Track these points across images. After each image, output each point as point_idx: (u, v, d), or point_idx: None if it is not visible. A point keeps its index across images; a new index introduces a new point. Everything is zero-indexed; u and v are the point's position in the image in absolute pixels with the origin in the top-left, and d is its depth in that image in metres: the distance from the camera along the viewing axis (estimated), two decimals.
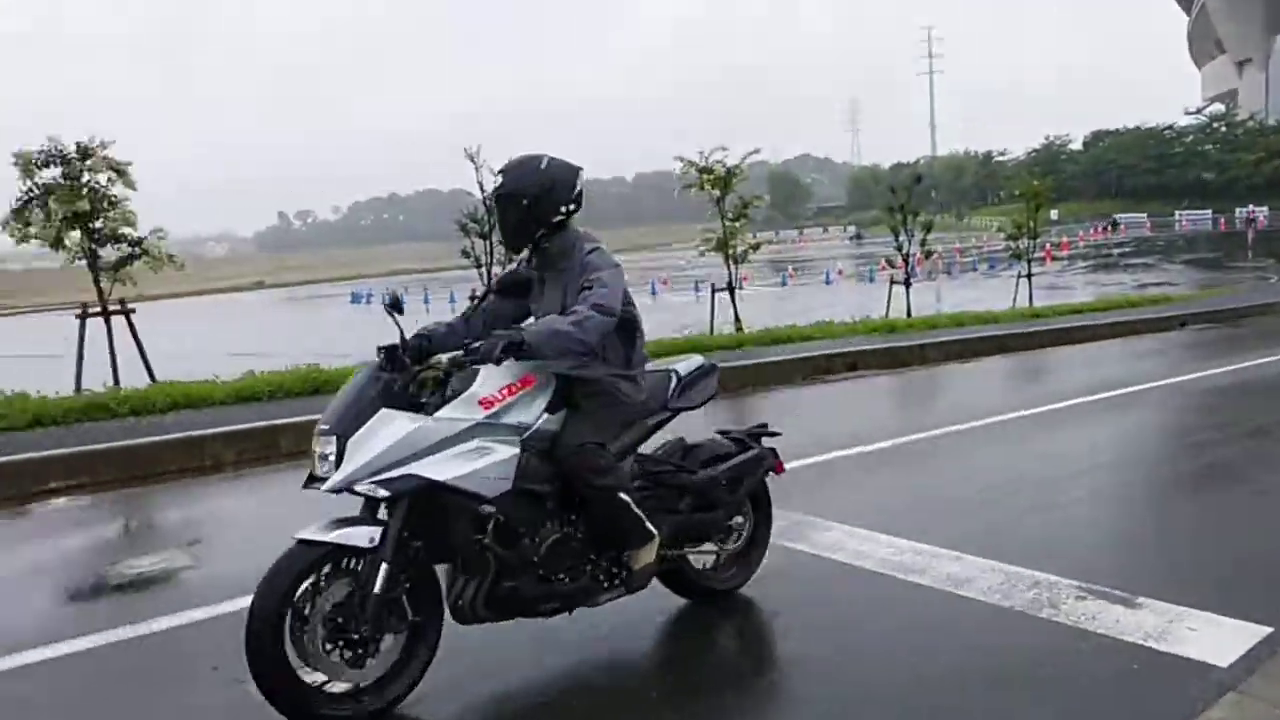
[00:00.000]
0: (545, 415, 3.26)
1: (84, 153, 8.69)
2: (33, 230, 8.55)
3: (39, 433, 7.33)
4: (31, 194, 8.60)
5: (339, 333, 24.77)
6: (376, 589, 2.92)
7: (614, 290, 3.24)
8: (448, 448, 3.03)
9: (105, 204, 8.74)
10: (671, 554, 3.60)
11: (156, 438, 7.09)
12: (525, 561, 3.17)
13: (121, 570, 4.80)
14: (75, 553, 5.34)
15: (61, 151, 8.64)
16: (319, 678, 2.94)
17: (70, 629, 3.97)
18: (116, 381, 8.81)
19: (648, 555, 3.38)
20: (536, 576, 3.20)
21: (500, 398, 3.16)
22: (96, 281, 8.96)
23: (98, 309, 9.02)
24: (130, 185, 8.92)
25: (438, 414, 3.05)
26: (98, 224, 8.77)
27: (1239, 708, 2.91)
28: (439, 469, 3.00)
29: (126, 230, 8.91)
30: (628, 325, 3.42)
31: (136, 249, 8.97)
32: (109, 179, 8.82)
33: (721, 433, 3.98)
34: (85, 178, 8.69)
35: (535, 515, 3.22)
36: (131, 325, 9.09)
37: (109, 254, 8.98)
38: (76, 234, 8.75)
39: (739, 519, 3.84)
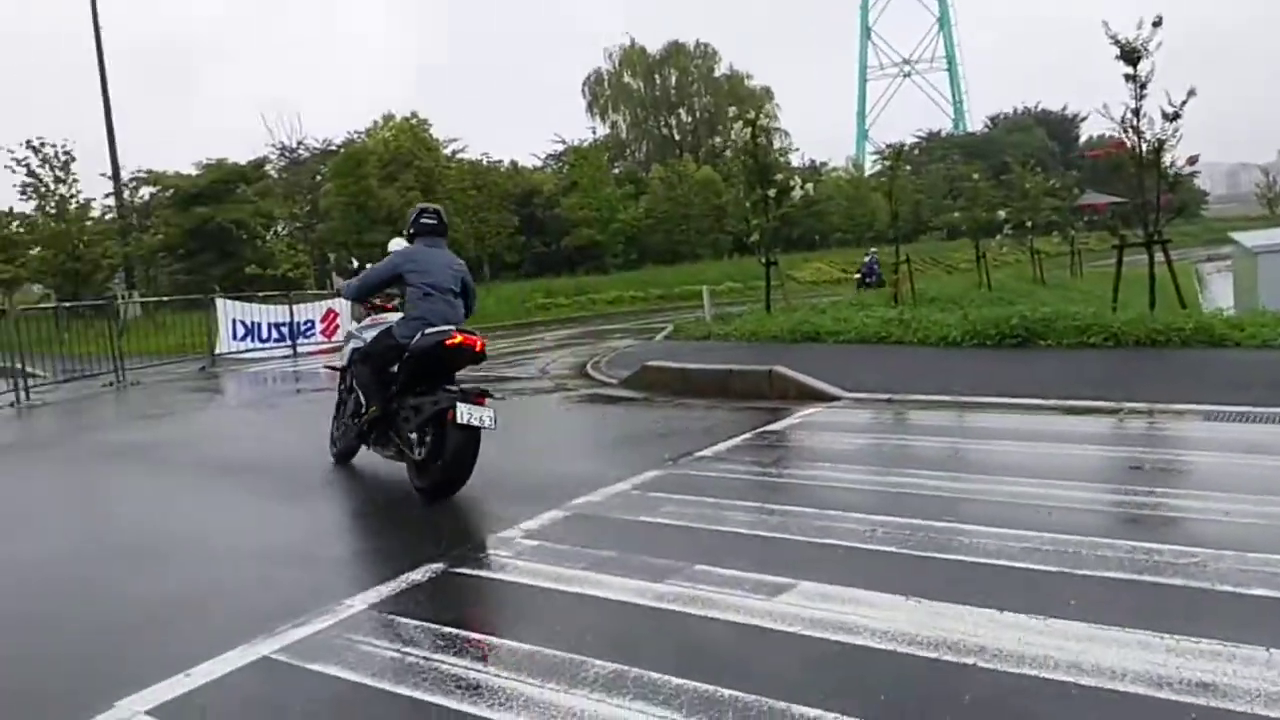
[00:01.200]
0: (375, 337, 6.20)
1: None
2: None
3: None
4: None
5: None
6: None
7: (364, 276, 6.22)
8: (351, 339, 6.83)
9: None
10: (393, 434, 5.93)
11: None
12: (354, 405, 6.32)
13: None
14: None
15: None
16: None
17: None
18: None
19: (369, 417, 5.99)
20: (354, 415, 6.35)
21: (358, 323, 6.89)
22: None
23: None
24: None
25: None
26: None
27: None
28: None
29: None
30: (403, 293, 6.03)
31: None
32: None
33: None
34: None
35: (359, 381, 6.24)
36: None
37: None
38: None
39: (412, 435, 5.64)
